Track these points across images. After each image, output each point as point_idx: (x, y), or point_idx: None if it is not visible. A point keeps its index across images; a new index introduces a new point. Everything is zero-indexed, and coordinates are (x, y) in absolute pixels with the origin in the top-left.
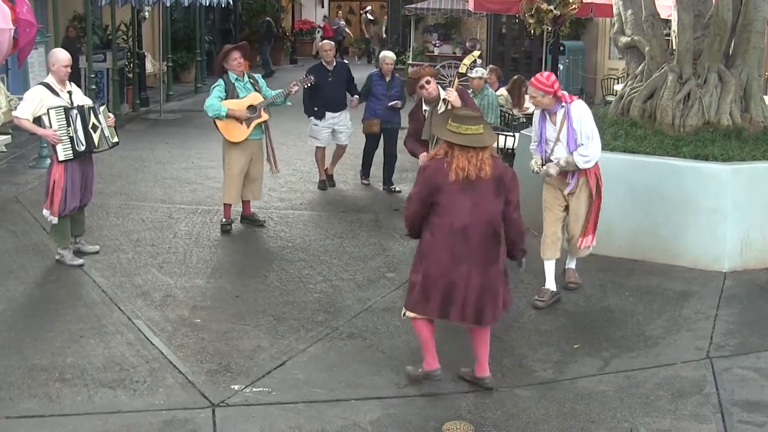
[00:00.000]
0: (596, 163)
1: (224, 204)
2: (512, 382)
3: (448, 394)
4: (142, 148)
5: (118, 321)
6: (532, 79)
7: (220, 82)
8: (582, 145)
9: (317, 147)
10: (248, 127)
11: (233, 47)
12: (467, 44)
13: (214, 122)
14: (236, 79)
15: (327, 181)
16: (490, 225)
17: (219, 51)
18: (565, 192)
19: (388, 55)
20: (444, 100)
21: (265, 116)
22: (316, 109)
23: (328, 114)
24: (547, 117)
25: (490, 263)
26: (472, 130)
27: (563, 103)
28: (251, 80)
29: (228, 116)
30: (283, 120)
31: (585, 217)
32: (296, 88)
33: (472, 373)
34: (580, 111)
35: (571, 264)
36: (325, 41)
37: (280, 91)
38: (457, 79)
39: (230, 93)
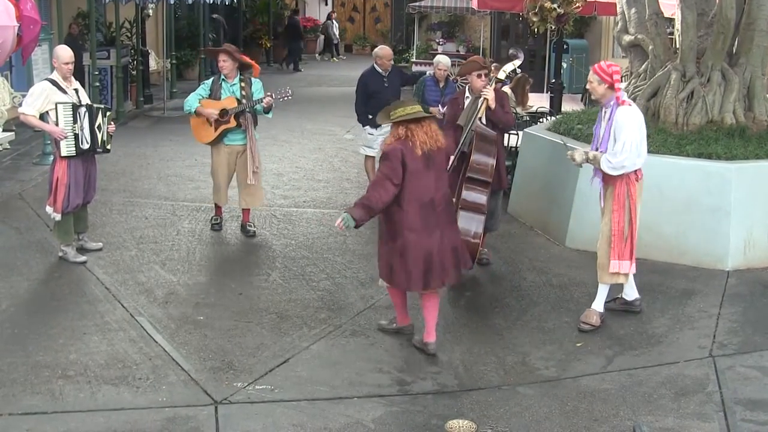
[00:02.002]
0: (633, 180)
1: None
2: (515, 379)
3: (451, 392)
4: (145, 145)
5: (121, 318)
6: (596, 64)
7: (209, 80)
8: (614, 152)
9: (367, 156)
10: (215, 130)
11: (221, 49)
12: (510, 51)
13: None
14: (223, 79)
15: None
16: (448, 191)
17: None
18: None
19: (442, 60)
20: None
21: (232, 123)
22: (370, 117)
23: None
24: (601, 113)
25: (452, 224)
26: (414, 109)
27: (615, 102)
28: (242, 83)
29: (197, 114)
30: (288, 117)
31: (608, 234)
32: (268, 99)
33: (421, 340)
34: (624, 118)
35: (596, 302)
36: (382, 46)
37: (260, 98)
38: (495, 84)
39: (214, 93)
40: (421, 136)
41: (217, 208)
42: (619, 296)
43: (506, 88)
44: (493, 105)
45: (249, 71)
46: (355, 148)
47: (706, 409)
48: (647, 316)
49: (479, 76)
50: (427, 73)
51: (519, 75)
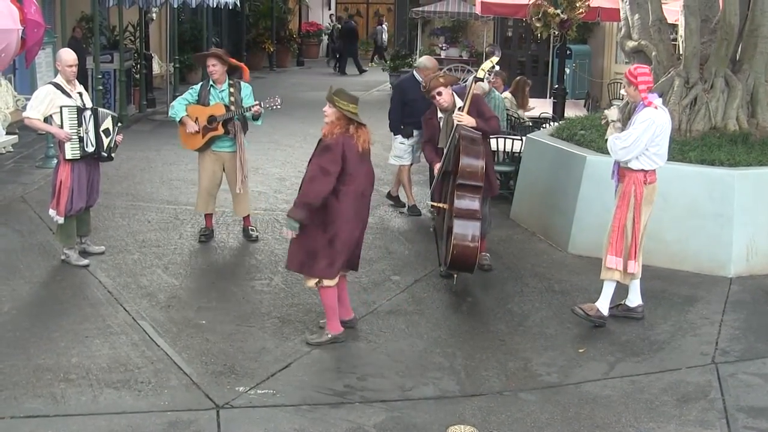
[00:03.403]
0: (640, 181)
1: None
2: (517, 385)
3: (452, 397)
4: (148, 148)
5: (123, 321)
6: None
7: (197, 85)
8: (621, 137)
9: (401, 166)
10: (203, 137)
11: (209, 53)
12: (487, 49)
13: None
14: (212, 85)
15: (396, 202)
16: (373, 184)
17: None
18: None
19: (483, 87)
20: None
21: (219, 130)
22: (403, 126)
23: (416, 132)
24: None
25: (367, 216)
26: (357, 108)
27: (642, 103)
28: (231, 89)
29: (182, 122)
30: (289, 122)
31: (609, 229)
32: (257, 108)
33: (343, 320)
34: (642, 116)
35: (602, 297)
36: (429, 57)
37: (249, 104)
38: (474, 84)
39: (202, 98)
40: (363, 135)
41: (207, 218)
42: (622, 302)
43: (507, 93)
44: (473, 124)
45: (238, 74)
46: None
47: (709, 416)
48: (649, 323)
49: (438, 95)
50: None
51: (518, 78)
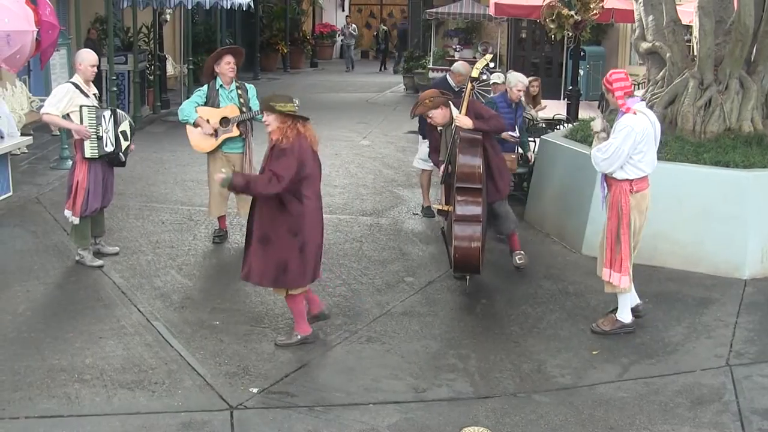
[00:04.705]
0: (626, 191)
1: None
2: (531, 387)
3: (466, 399)
4: (162, 150)
5: (137, 322)
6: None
7: (204, 87)
8: (602, 148)
9: (423, 170)
10: (216, 138)
11: (226, 50)
12: (480, 48)
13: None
14: (221, 86)
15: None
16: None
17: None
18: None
19: (520, 79)
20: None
21: (235, 132)
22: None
23: None
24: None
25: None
26: (295, 106)
27: (622, 111)
28: (239, 90)
29: (196, 124)
30: None
31: (602, 242)
32: None
33: (310, 314)
34: (621, 123)
35: (621, 308)
36: (463, 62)
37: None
38: (470, 84)
39: (211, 100)
40: (311, 133)
41: (220, 219)
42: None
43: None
44: (470, 126)
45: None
46: (371, 155)
47: (723, 419)
48: (663, 324)
49: (429, 118)
50: (491, 80)
51: (531, 78)
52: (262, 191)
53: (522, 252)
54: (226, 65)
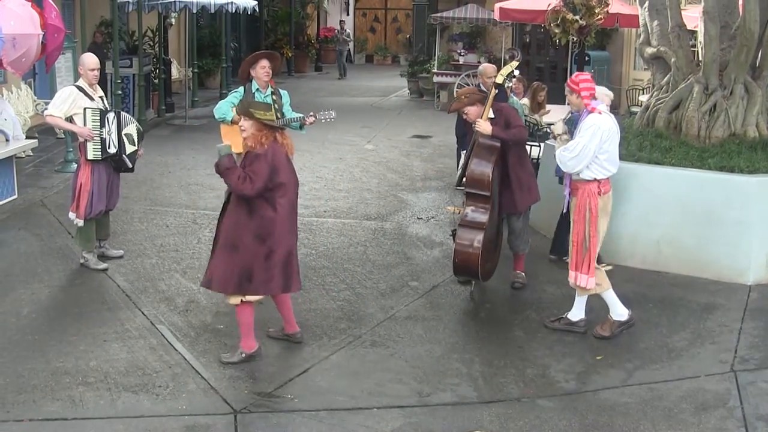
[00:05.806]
0: (594, 193)
1: None
2: (535, 392)
3: (470, 403)
4: (167, 153)
5: (141, 326)
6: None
7: (240, 89)
8: (569, 148)
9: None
10: None
11: (263, 54)
12: (506, 54)
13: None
14: (257, 89)
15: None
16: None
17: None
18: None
19: (606, 93)
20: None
21: None
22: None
23: None
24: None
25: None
26: (273, 116)
27: (586, 110)
28: (274, 95)
29: (233, 123)
30: (308, 127)
31: (569, 246)
32: (311, 120)
33: (283, 332)
34: (587, 122)
35: (611, 307)
36: (487, 64)
37: (299, 116)
38: (494, 90)
39: None
40: (288, 141)
41: None
42: (564, 315)
43: (525, 99)
44: (489, 132)
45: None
46: (375, 159)
47: (728, 425)
48: (668, 330)
49: (465, 114)
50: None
51: (534, 84)
52: (234, 185)
53: (522, 274)
54: (261, 69)
